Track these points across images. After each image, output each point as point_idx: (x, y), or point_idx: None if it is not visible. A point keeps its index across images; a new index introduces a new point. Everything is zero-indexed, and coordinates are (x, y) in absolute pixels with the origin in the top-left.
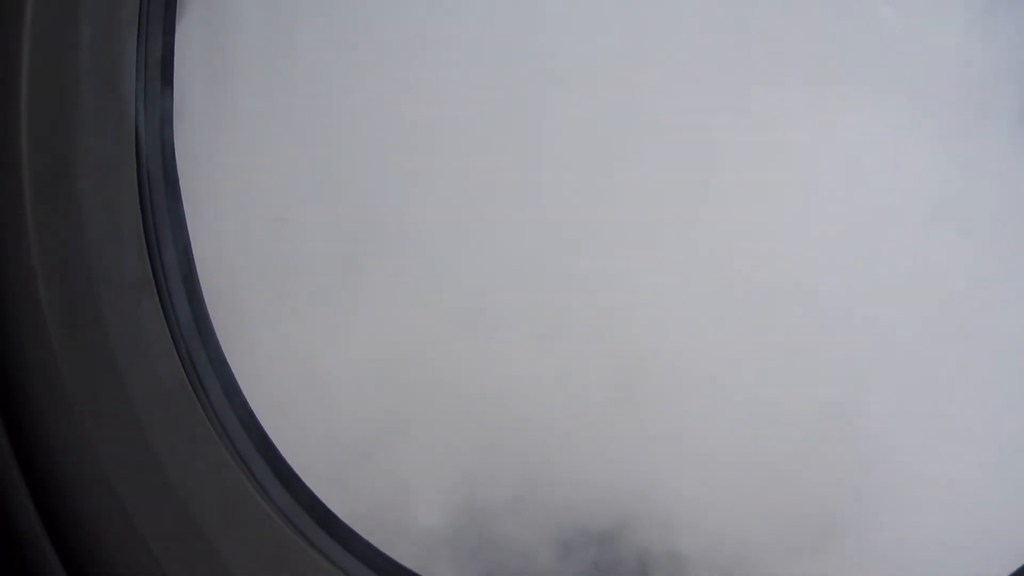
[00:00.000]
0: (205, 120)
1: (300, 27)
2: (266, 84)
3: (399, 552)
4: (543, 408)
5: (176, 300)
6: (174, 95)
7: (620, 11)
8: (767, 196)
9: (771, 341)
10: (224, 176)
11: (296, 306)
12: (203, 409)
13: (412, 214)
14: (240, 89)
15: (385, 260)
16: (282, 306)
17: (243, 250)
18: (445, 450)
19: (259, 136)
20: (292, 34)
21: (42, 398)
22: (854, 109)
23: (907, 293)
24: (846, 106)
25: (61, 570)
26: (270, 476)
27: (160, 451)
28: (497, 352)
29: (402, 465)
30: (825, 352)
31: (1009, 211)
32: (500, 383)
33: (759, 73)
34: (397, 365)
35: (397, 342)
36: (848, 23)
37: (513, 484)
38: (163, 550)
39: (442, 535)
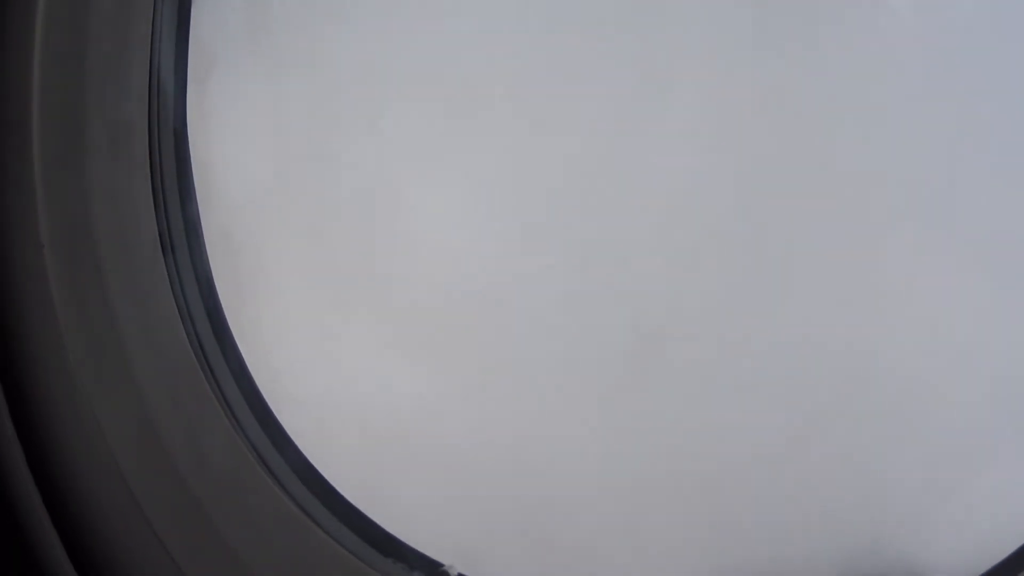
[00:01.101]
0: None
1: None
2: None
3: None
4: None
5: (183, 270)
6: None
7: None
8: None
9: None
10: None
11: (311, 283)
12: (209, 386)
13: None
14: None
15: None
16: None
17: (254, 225)
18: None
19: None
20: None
21: (46, 372)
22: None
23: None
24: None
25: (62, 549)
26: (276, 457)
27: (162, 423)
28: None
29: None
30: None
31: None
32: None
33: None
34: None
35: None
36: None
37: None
38: (165, 527)
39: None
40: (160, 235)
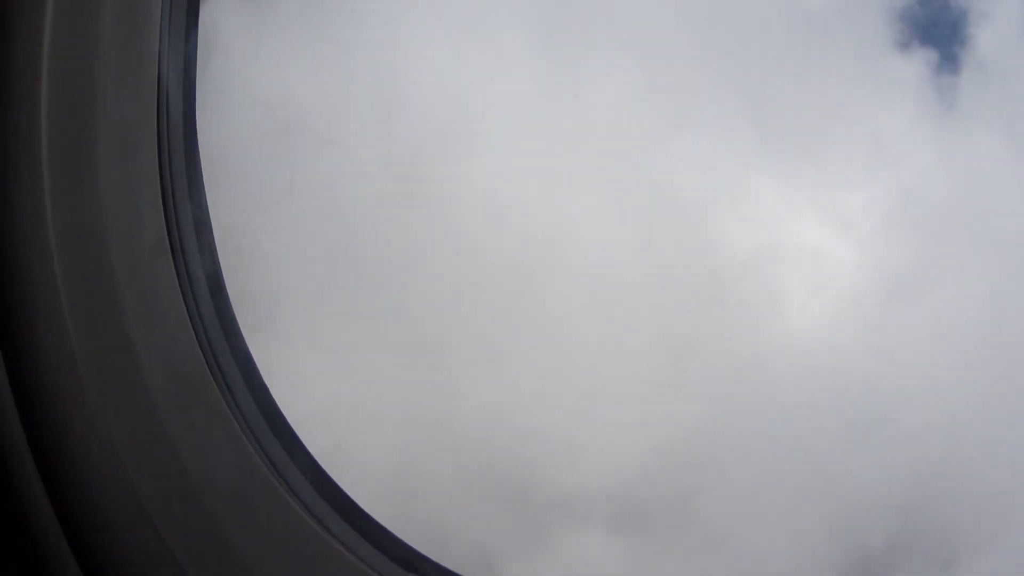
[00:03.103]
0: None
1: None
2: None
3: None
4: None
5: (192, 267)
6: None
7: None
8: None
9: None
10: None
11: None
12: (218, 387)
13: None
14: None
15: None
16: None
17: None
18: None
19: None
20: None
21: (53, 371)
22: None
23: None
24: None
25: (67, 548)
26: (287, 461)
27: (173, 432)
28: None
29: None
30: None
31: None
32: None
33: None
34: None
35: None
36: None
37: None
38: (171, 530)
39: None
40: (169, 237)
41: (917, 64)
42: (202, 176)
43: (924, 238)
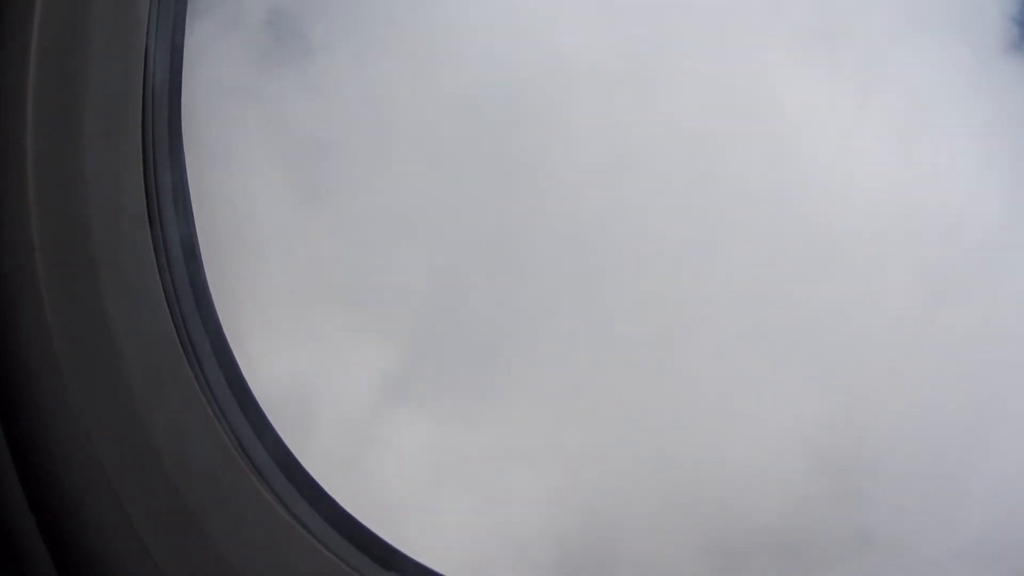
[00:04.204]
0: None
1: None
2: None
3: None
4: None
5: (170, 240)
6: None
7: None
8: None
9: None
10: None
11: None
12: (190, 365)
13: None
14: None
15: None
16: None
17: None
18: None
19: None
20: None
21: (29, 345)
22: None
23: None
24: None
25: (34, 523)
26: (263, 454)
27: (144, 409)
28: None
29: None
30: None
31: None
32: None
33: None
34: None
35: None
36: None
37: None
38: (136, 503)
39: None
40: (148, 208)
41: None
42: (183, 142)
43: None
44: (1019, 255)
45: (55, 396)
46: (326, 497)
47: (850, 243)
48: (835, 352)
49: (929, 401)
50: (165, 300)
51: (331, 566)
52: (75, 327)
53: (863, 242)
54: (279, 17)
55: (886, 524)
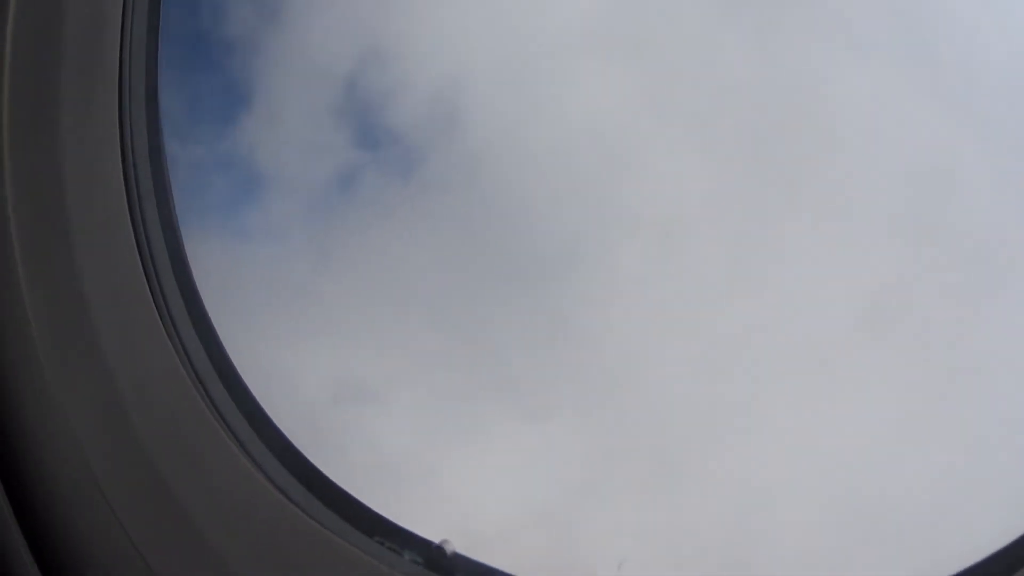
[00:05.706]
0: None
1: None
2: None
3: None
4: None
5: (152, 234)
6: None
7: None
8: None
9: None
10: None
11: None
12: (181, 363)
13: None
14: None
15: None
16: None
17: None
18: None
19: None
20: None
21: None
22: None
23: None
24: None
25: (10, 512)
26: (249, 431)
27: (132, 409)
28: None
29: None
30: None
31: None
32: None
33: None
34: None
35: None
36: None
37: None
38: (126, 507)
39: None
40: (126, 188)
41: None
42: (161, 124)
43: None
44: None
45: (33, 378)
46: (319, 474)
47: None
48: None
49: None
50: (148, 286)
51: (323, 540)
52: (50, 305)
53: None
54: None
55: None
